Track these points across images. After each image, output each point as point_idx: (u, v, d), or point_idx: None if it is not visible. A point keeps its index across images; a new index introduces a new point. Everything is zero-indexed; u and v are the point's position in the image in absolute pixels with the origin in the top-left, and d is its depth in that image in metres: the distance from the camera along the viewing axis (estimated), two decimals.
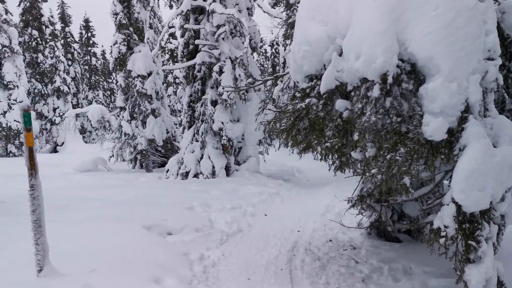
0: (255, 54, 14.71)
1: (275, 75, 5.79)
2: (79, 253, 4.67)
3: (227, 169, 13.21)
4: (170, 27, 27.33)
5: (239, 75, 12.80)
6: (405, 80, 3.84)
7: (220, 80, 12.56)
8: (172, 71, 32.20)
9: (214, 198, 8.79)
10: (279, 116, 5.00)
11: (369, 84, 3.91)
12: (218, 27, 12.66)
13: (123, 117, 17.09)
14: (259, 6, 13.16)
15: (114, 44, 16.48)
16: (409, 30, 3.81)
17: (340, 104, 4.24)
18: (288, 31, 28.18)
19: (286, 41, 39.26)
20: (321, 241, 6.41)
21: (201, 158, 13.40)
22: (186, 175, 13.63)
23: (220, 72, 12.70)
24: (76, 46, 42.83)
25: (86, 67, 42.80)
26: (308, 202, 9.82)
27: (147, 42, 15.50)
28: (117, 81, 42.40)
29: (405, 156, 3.66)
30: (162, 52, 39.01)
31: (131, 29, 16.67)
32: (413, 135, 3.71)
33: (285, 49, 37.13)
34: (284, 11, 28.16)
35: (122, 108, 17.38)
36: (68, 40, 40.82)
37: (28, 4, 32.77)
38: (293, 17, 25.04)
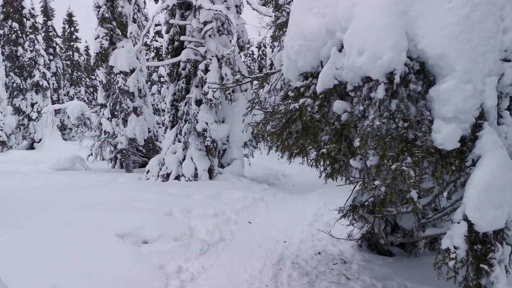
0: (242, 54, 14.22)
1: (265, 72, 5.33)
2: (39, 267, 4.12)
3: (210, 171, 12.69)
4: (156, 25, 26.69)
5: (226, 74, 12.30)
6: (413, 81, 3.41)
7: (206, 79, 12.05)
8: (157, 69, 31.51)
9: (195, 203, 8.27)
10: (269, 117, 4.53)
11: (373, 84, 3.47)
12: (205, 23, 12.15)
13: (103, 114, 16.42)
14: (248, 2, 12.68)
15: (96, 38, 15.81)
16: (419, 25, 3.38)
17: (339, 105, 3.78)
18: (277, 33, 27.80)
19: (274, 43, 38.93)
20: (309, 254, 5.95)
21: (183, 159, 12.85)
22: (167, 176, 13.06)
23: (206, 70, 12.19)
24: (58, 40, 41.80)
25: (68, 62, 41.71)
26: (294, 209, 9.37)
27: (130, 36, 14.88)
28: (98, 77, 41.49)
29: (412, 166, 3.22)
30: (147, 50, 38.30)
31: (114, 23, 16.02)
32: (421, 143, 3.27)
33: (272, 51, 36.75)
34: (273, 11, 27.82)
35: (103, 105, 16.72)
36: (50, 34, 39.74)
37: None
38: (282, 18, 24.67)
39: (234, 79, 5.31)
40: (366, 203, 5.84)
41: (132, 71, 16.04)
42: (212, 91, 11.75)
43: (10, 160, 20.46)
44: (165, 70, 13.55)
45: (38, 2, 39.31)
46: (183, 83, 13.02)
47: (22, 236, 5.16)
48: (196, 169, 12.49)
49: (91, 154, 17.06)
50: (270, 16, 14.32)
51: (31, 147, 28.22)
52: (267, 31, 30.60)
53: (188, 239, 6.07)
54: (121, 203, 7.54)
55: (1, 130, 24.64)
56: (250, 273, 5.09)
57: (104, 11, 15.73)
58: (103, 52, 15.89)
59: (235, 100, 13.05)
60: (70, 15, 40.54)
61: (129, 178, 13.79)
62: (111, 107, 16.38)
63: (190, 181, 12.44)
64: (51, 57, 38.81)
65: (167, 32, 13.27)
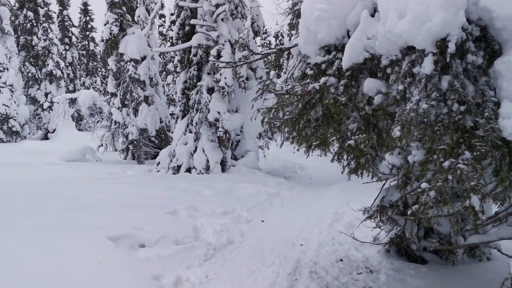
0: (258, 39, 13.40)
1: (278, 47, 4.53)
2: (12, 280, 3.45)
3: (223, 164, 11.97)
4: (171, 14, 25.91)
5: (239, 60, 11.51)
6: (472, 51, 2.58)
7: (217, 65, 11.29)
8: (173, 58, 30.89)
9: (203, 200, 7.56)
10: (283, 101, 3.76)
11: (417, 56, 2.66)
12: (217, 6, 11.37)
13: (113, 104, 15.84)
14: None
15: (105, 25, 15.19)
16: None
17: (370, 85, 2.98)
18: (294, 20, 26.86)
19: (291, 31, 37.97)
20: (329, 260, 5.18)
21: (195, 151, 12.16)
22: (177, 169, 12.41)
23: (218, 56, 11.41)
24: (74, 30, 41.50)
25: (84, 52, 41.41)
26: (312, 206, 8.60)
27: (138, 20, 14.18)
28: (106, 65, 40.99)
29: (472, 163, 2.42)
30: (164, 40, 37.71)
31: (124, 8, 15.37)
32: (484, 132, 2.46)
33: (290, 40, 35.77)
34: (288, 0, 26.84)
35: (113, 94, 16.12)
36: (66, 23, 39.42)
37: None
38: (300, 4, 23.70)
39: (241, 55, 4.54)
40: (396, 203, 5.04)
41: (143, 58, 15.38)
42: (225, 78, 10.99)
43: (22, 151, 20.13)
44: (176, 56, 12.83)
45: None
46: (194, 70, 12.28)
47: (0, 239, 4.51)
48: (208, 161, 11.79)
49: (101, 145, 16.50)
50: None
51: (45, 137, 27.95)
52: (284, 18, 29.64)
53: (191, 242, 5.35)
54: (122, 200, 6.87)
55: (15, 120, 24.34)
56: (261, 284, 4.35)
57: None
58: (112, 39, 15.27)
59: (249, 88, 12.27)
60: (85, 4, 40.11)
61: (139, 170, 13.20)
62: (121, 96, 15.79)
63: (202, 174, 11.76)
64: (67, 47, 38.53)
65: (178, 16, 12.53)
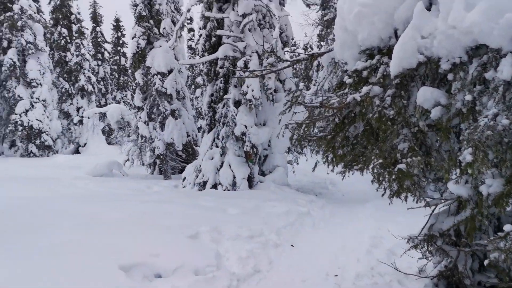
0: (286, 49, 12.91)
1: (310, 53, 3.99)
2: None
3: (250, 180, 11.44)
4: (201, 28, 25.81)
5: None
6: None
7: (242, 75, 10.84)
8: (202, 72, 30.81)
9: (228, 220, 7.03)
10: (315, 115, 3.21)
11: (490, 57, 2.06)
12: (244, 16, 10.96)
13: (140, 118, 15.61)
14: None
15: (132, 38, 15.05)
16: None
17: (426, 95, 2.40)
18: (324, 32, 26.26)
19: (321, 42, 37.42)
20: None
21: (221, 166, 11.69)
22: (203, 185, 11.95)
23: (245, 67, 10.96)
24: (107, 46, 42.23)
25: (115, 67, 42.06)
26: (347, 227, 7.93)
27: (163, 32, 13.93)
28: (135, 79, 41.36)
29: None
30: (193, 54, 37.83)
31: (151, 22, 15.20)
32: None
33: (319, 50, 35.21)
34: (319, 10, 26.33)
35: (140, 108, 15.91)
36: (99, 40, 40.21)
37: (58, 2, 32.12)
38: (330, 15, 23.16)
39: (266, 62, 4.02)
40: (448, 232, 4.36)
41: (170, 71, 15.14)
42: (252, 90, 10.52)
43: (52, 165, 20.25)
44: (203, 69, 12.49)
45: (87, 9, 39.82)
46: (221, 82, 11.87)
47: None
48: (234, 177, 11.29)
49: (128, 160, 16.27)
50: (316, 4, 12.91)
51: (76, 151, 28.23)
52: (314, 29, 29.12)
53: (213, 271, 4.81)
54: (141, 220, 6.41)
55: (47, 134, 24.64)
56: None
57: (141, 9, 14.93)
58: (140, 52, 15.10)
59: (278, 100, 11.74)
60: (117, 20, 40.87)
61: (165, 186, 12.83)
62: (148, 110, 15.55)
63: (228, 190, 11.26)
64: (100, 62, 39.21)
65: (204, 27, 12.20)
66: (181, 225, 6.16)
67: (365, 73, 2.69)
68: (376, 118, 2.50)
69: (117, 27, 41.38)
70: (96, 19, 39.75)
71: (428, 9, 2.41)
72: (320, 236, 7.21)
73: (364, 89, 2.59)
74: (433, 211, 4.46)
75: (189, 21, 41.09)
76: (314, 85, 31.86)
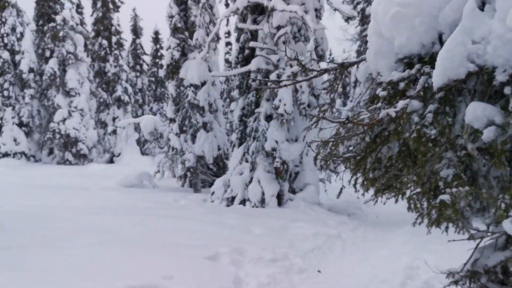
0: (322, 63, 12.52)
1: (341, 62, 3.59)
2: None
3: (280, 197, 11.03)
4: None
5: (300, 86, 10.70)
6: None
7: (277, 91, 10.53)
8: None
9: (252, 241, 6.66)
10: (343, 134, 2.83)
11: None
12: (278, 28, 10.69)
13: (171, 129, 15.53)
14: (328, 2, 11.01)
15: (167, 49, 15.08)
16: None
17: (477, 111, 1.97)
18: (362, 48, 25.70)
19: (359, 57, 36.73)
20: None
21: (250, 182, 11.34)
22: (232, 200, 11.63)
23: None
24: (146, 58, 43.08)
25: (153, 78, 42.79)
26: (379, 253, 7.38)
27: (196, 43, 13.84)
28: (162, 88, 41.94)
29: None
30: (229, 67, 37.97)
31: (186, 33, 15.20)
32: None
33: (357, 67, 34.56)
34: (358, 25, 25.82)
35: (172, 120, 15.85)
36: (138, 52, 41.07)
37: (100, 14, 33.05)
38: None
39: (290, 71, 3.66)
40: (494, 269, 3.84)
41: (203, 84, 15.01)
42: (284, 104, 10.18)
43: (85, 174, 20.50)
44: (235, 81, 12.29)
45: (128, 21, 40.83)
46: (253, 96, 11.60)
47: None
48: (263, 193, 10.91)
49: (158, 171, 16.19)
50: (353, 17, 12.52)
51: (110, 161, 28.65)
52: (352, 44, 28.66)
53: None
54: (159, 238, 6.13)
55: (83, 143, 25.09)
56: None
57: (176, 20, 14.95)
58: (174, 63, 15.09)
59: (310, 116, 11.34)
60: (156, 33, 41.66)
61: (192, 200, 12.59)
62: (180, 122, 15.46)
63: (256, 207, 10.89)
64: (138, 74, 39.99)
65: (237, 39, 12.00)
66: (201, 245, 5.83)
67: (402, 84, 2.30)
68: (415, 138, 2.09)
69: (156, 39, 42.16)
70: (136, 31, 40.65)
71: (481, 8, 2.00)
72: (350, 262, 6.71)
73: (401, 103, 2.19)
74: (478, 244, 3.94)
75: (227, 35, 41.51)
76: (351, 101, 31.18)
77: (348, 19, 23.08)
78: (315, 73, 3.54)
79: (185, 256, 5.20)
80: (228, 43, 40.61)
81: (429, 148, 2.06)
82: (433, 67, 2.17)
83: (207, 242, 6.06)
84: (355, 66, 4.00)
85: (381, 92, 2.36)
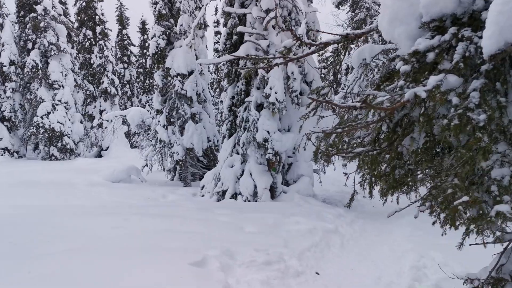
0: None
1: (345, 32, 3.01)
2: None
3: (273, 190, 10.49)
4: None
5: (292, 73, 10.11)
6: None
7: (268, 79, 9.94)
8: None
9: (244, 241, 6.11)
10: (349, 122, 2.27)
11: None
12: (268, 11, 10.06)
13: (158, 121, 14.88)
14: None
15: (151, 38, 14.36)
16: None
17: None
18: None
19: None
20: None
21: (241, 174, 10.79)
22: (223, 194, 11.09)
23: (269, 68, 10.04)
24: (134, 49, 42.13)
25: (141, 70, 41.89)
26: (381, 249, 6.89)
27: (180, 30, 13.14)
28: (151, 79, 40.94)
29: None
30: (218, 56, 37.16)
31: (172, 20, 14.49)
32: None
33: (348, 54, 33.92)
34: (349, 11, 25.21)
35: (159, 111, 15.19)
36: (125, 42, 40.08)
37: (83, 3, 32.06)
38: (360, 15, 22.06)
39: (282, 47, 3.09)
40: None
41: (190, 73, 14.36)
42: (275, 92, 9.60)
43: (71, 169, 19.80)
44: (223, 69, 11.66)
45: (113, 11, 39.79)
46: (242, 84, 10.99)
47: None
48: (255, 186, 10.37)
49: (146, 165, 15.56)
50: (345, 2, 11.88)
51: (99, 155, 27.91)
52: (343, 30, 27.97)
53: None
54: (140, 241, 5.55)
55: (69, 137, 24.31)
56: None
57: (161, 7, 14.23)
58: (159, 52, 14.39)
59: (303, 104, 10.77)
60: (143, 23, 40.68)
61: (181, 194, 12.03)
62: (167, 114, 14.81)
63: (249, 201, 10.35)
64: (125, 65, 39.07)
65: (225, 25, 11.36)
66: (186, 249, 5.26)
67: (431, 55, 1.74)
68: (456, 126, 1.54)
69: (143, 29, 41.17)
70: (122, 21, 39.64)
71: None
72: (350, 261, 6.19)
73: (432, 80, 1.64)
74: (505, 248, 3.42)
75: (216, 24, 40.62)
76: (343, 89, 30.62)
77: (339, 4, 22.45)
78: (313, 48, 2.96)
79: (167, 263, 4.64)
80: (217, 33, 39.78)
81: (478, 140, 1.51)
82: (474, 30, 1.62)
83: (193, 246, 5.50)
84: (355, 44, 3.42)
85: (402, 67, 1.80)
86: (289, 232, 7.03)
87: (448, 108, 1.67)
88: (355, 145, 2.27)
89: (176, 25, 14.57)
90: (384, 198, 3.01)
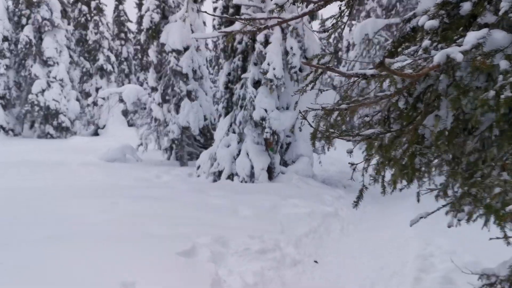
0: (314, 23, 11.38)
1: None
2: None
3: (270, 171, 10.11)
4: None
5: (291, 48, 9.60)
6: None
7: (265, 54, 9.43)
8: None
9: (238, 226, 5.75)
10: (354, 98, 1.84)
11: None
12: None
13: (154, 99, 14.41)
14: None
15: (145, 12, 13.77)
16: None
17: None
18: (354, 11, 24.40)
19: (351, 22, 35.35)
20: None
21: (238, 154, 10.39)
22: (219, 174, 10.70)
23: (266, 42, 9.55)
24: (131, 26, 41.22)
25: (139, 47, 41.04)
26: (383, 233, 6.52)
27: (174, 1, 12.54)
28: (148, 56, 40.00)
29: None
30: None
31: None
32: None
33: (350, 30, 33.12)
34: None
35: (154, 89, 14.70)
36: (122, 19, 39.14)
37: None
38: None
39: (273, 4, 2.65)
40: None
41: (186, 49, 13.78)
42: (273, 68, 9.11)
43: (66, 148, 19.43)
44: (219, 45, 11.13)
45: None
46: (239, 60, 10.49)
47: None
48: (252, 167, 9.98)
49: (141, 144, 15.15)
50: None
51: (95, 133, 27.48)
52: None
53: None
54: (127, 227, 5.18)
55: (65, 115, 23.83)
56: None
57: None
58: (153, 27, 13.81)
59: (303, 81, 10.29)
60: None
61: (176, 175, 11.64)
62: (162, 91, 14.32)
63: (245, 182, 9.98)
64: (123, 42, 38.24)
65: None
66: (175, 235, 4.89)
67: (467, 5, 1.29)
68: (505, 100, 1.12)
69: (140, 5, 40.03)
70: None
71: None
72: (350, 247, 5.84)
73: (471, 37, 1.20)
74: None
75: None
76: (344, 66, 29.96)
77: None
78: (311, 6, 2.49)
79: (154, 252, 4.26)
80: (215, 9, 38.84)
81: None
82: None
83: (184, 231, 5.13)
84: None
85: (427, 22, 1.36)
86: (286, 216, 6.66)
87: (486, 77, 1.25)
88: (361, 126, 1.86)
89: None
90: (393, 186, 2.60)
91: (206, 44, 33.89)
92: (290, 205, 7.34)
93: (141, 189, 8.33)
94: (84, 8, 30.92)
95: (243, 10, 9.85)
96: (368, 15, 16.73)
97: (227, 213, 6.51)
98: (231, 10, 10.47)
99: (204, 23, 16.24)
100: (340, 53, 39.56)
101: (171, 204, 6.77)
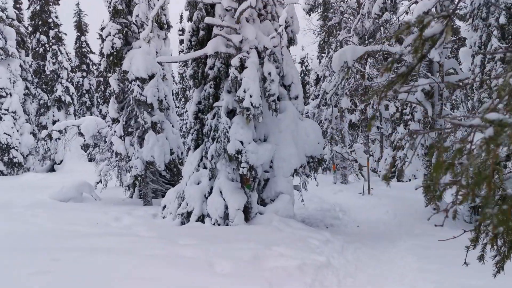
0: (292, 48, 10.56)
1: None
2: None
3: (247, 211, 8.91)
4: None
5: (269, 73, 8.65)
6: None
7: (241, 80, 8.42)
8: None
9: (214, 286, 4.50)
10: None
11: None
12: (240, 2, 8.59)
13: (114, 131, 13.08)
14: None
15: (106, 37, 12.61)
16: None
17: None
18: (325, 40, 24.10)
19: (321, 53, 35.21)
20: None
21: (210, 193, 9.17)
22: (187, 216, 9.42)
23: (242, 67, 8.55)
24: (94, 57, 39.91)
25: (102, 79, 39.60)
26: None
27: (136, 21, 11.49)
28: (109, 86, 38.67)
29: None
30: (184, 65, 35.39)
31: (129, 18, 12.80)
32: None
33: (319, 62, 32.92)
34: (320, 18, 24.23)
35: (115, 120, 13.40)
36: (84, 50, 37.82)
37: (38, 7, 29.80)
38: (334, 19, 20.96)
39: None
40: None
41: (151, 77, 12.67)
42: (250, 96, 8.09)
43: (17, 186, 17.64)
44: (188, 70, 10.07)
45: (71, 17, 37.55)
46: (210, 87, 9.42)
47: None
48: (226, 207, 8.77)
49: (100, 181, 13.67)
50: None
51: (51, 169, 25.54)
52: (314, 38, 27.01)
53: None
54: None
55: (17, 150, 21.95)
56: None
57: (116, 1, 12.51)
58: (115, 53, 12.64)
59: (282, 110, 9.32)
60: (103, 29, 38.50)
61: (139, 216, 10.26)
62: (124, 123, 13.04)
63: (218, 224, 8.74)
64: (84, 74, 36.79)
65: (190, 18, 9.80)
66: None
67: None
68: None
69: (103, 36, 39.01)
70: (80, 27, 37.46)
71: None
72: None
73: None
74: None
75: (181, 33, 38.91)
76: (313, 99, 29.46)
77: (309, 10, 21.23)
78: None
79: None
80: (182, 30, 38.26)
81: None
82: None
83: None
84: None
85: None
86: (273, 270, 5.46)
87: None
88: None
89: (134, 24, 12.89)
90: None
91: (173, 77, 32.83)
92: (276, 255, 6.15)
93: (95, 238, 6.93)
94: (43, 37, 29.48)
95: (215, 31, 8.87)
96: (341, 46, 16.16)
97: (201, 269, 5.24)
98: (201, 32, 9.47)
99: (171, 53, 15.25)
100: (307, 86, 39.38)
101: (129, 259, 5.44)
